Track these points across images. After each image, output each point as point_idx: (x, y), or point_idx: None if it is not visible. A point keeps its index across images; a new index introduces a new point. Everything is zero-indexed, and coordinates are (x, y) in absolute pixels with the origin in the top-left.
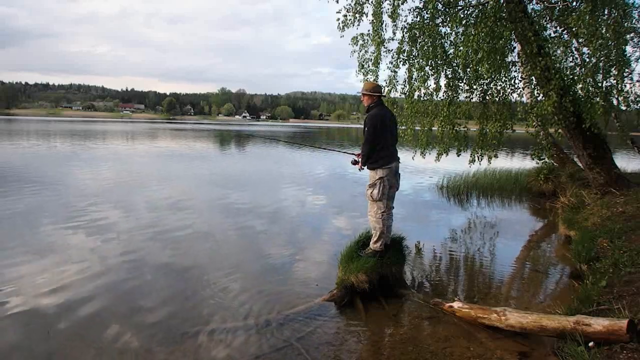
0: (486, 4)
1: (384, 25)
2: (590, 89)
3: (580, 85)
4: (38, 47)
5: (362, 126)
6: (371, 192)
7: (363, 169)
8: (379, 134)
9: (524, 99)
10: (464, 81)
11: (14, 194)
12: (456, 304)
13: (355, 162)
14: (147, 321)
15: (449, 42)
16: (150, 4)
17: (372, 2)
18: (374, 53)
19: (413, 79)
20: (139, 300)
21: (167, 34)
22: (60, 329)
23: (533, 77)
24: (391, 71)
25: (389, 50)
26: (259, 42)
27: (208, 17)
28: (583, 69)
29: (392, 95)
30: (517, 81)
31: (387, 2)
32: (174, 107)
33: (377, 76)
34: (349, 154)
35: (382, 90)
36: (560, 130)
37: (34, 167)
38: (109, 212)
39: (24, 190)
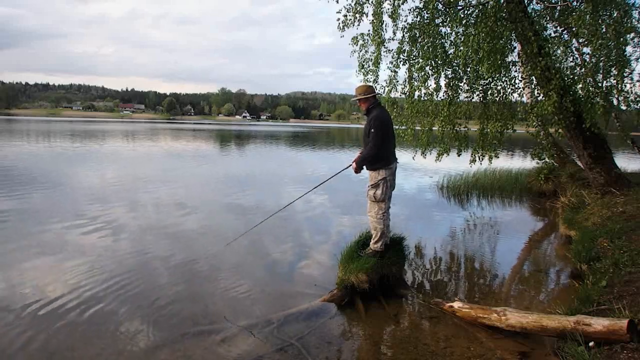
0: (486, 4)
1: (384, 25)
2: (591, 88)
3: (581, 85)
4: (43, 48)
5: (366, 127)
6: (374, 193)
7: (360, 172)
8: (385, 135)
9: (524, 99)
10: (464, 81)
11: (20, 194)
12: (456, 304)
13: (357, 170)
14: (148, 321)
15: (449, 42)
16: (161, 5)
17: (372, 2)
18: (374, 53)
19: (413, 79)
20: (139, 299)
21: (175, 34)
22: (60, 327)
23: (533, 77)
24: (391, 71)
25: (389, 50)
26: (265, 43)
27: (218, 19)
28: (583, 69)
29: (392, 95)
30: (517, 81)
31: (388, 2)
32: (174, 107)
33: (377, 76)
34: (346, 167)
35: (375, 89)
36: (560, 130)
37: (39, 168)
38: (114, 212)
39: (30, 190)
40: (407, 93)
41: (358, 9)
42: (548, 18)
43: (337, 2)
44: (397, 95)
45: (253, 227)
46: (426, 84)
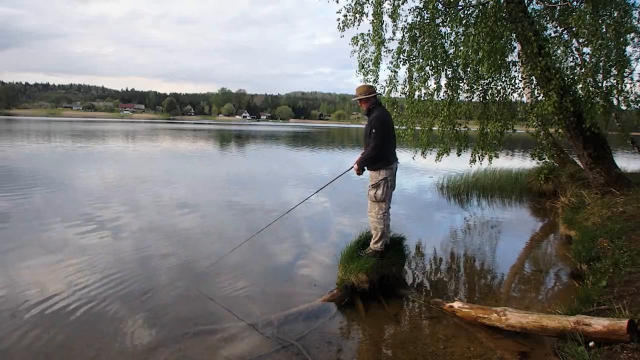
0: (486, 4)
1: (384, 25)
2: (591, 88)
3: (581, 85)
4: (43, 48)
5: (366, 127)
6: (375, 193)
7: (362, 173)
8: (386, 135)
9: (524, 99)
10: (464, 81)
11: (24, 195)
12: (456, 304)
13: (359, 172)
14: (148, 320)
15: (449, 42)
16: (161, 5)
17: (372, 2)
18: (374, 53)
19: (413, 79)
20: (140, 299)
21: (175, 34)
22: (60, 327)
23: (533, 77)
24: (391, 71)
25: (389, 50)
26: (265, 44)
27: (218, 19)
28: (583, 68)
29: (392, 95)
30: (517, 81)
31: (388, 2)
32: (174, 107)
33: (377, 76)
34: (348, 170)
35: (376, 89)
36: (560, 130)
37: (42, 169)
38: (117, 212)
39: (34, 191)
40: (407, 93)
41: (358, 9)
42: (548, 18)
43: (337, 2)
44: (397, 95)
45: (256, 234)
46: (426, 84)
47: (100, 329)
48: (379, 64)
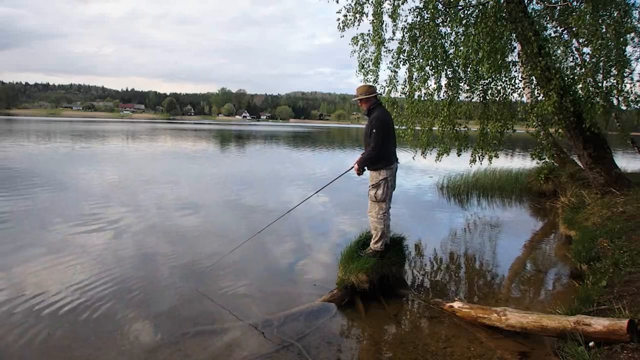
0: (486, 4)
1: (384, 25)
2: (591, 88)
3: (581, 85)
4: (43, 48)
5: (367, 127)
6: (375, 193)
7: (362, 173)
8: (386, 135)
9: (524, 99)
10: (464, 81)
11: (27, 195)
12: (456, 304)
13: (360, 172)
14: (147, 321)
15: (449, 42)
16: (161, 5)
17: (372, 2)
18: (374, 53)
19: (413, 79)
20: (140, 299)
21: (175, 34)
22: (60, 327)
23: (533, 77)
24: (391, 71)
25: (389, 50)
26: (265, 44)
27: (218, 19)
28: (583, 68)
29: (392, 95)
30: (517, 81)
31: (388, 2)
32: (174, 107)
33: (377, 76)
34: (348, 170)
35: (376, 89)
36: (560, 130)
37: (45, 169)
38: (120, 213)
39: (37, 191)
40: (407, 93)
41: (358, 9)
42: (548, 18)
43: (337, 2)
44: (397, 95)
45: (257, 234)
46: (426, 84)
47: (100, 328)
48: (379, 64)
